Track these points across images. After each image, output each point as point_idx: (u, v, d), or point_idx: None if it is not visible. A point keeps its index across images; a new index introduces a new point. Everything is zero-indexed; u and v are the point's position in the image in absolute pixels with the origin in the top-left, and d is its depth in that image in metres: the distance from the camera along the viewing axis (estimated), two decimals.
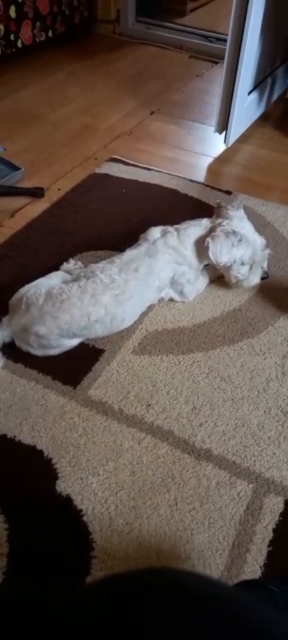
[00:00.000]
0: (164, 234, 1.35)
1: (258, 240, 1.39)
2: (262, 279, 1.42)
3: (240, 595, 0.59)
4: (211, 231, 1.35)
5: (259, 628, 0.47)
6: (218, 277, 1.46)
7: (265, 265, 1.42)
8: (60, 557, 0.89)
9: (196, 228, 1.38)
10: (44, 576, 0.87)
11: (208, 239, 1.31)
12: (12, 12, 2.58)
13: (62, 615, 0.47)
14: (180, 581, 0.51)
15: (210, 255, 1.32)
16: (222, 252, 1.32)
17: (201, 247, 1.35)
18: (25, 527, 0.93)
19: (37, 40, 2.79)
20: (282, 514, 0.96)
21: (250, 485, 1.00)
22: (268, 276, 1.43)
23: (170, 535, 0.93)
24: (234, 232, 1.33)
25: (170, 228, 1.37)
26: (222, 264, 1.35)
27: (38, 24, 2.76)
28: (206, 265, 1.42)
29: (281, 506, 0.97)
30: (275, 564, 0.90)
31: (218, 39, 3.13)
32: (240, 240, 1.34)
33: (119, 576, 0.54)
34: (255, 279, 1.41)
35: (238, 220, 1.38)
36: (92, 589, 0.53)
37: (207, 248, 1.32)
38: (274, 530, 0.94)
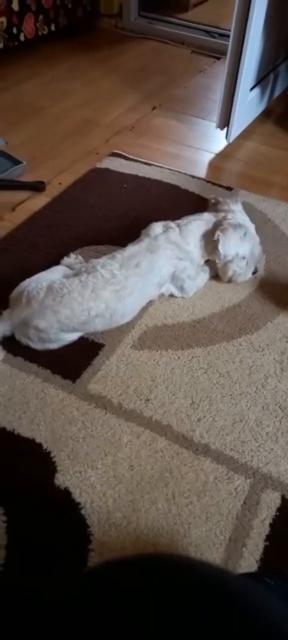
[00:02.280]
0: (166, 229, 1.36)
1: (257, 237, 1.41)
2: (253, 273, 1.45)
3: (243, 579, 0.60)
4: (216, 225, 1.36)
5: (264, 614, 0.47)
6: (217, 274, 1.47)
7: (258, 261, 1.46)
8: (58, 549, 0.90)
9: (198, 222, 1.38)
10: (42, 568, 0.87)
11: (219, 233, 1.33)
12: (15, 5, 2.57)
13: (61, 606, 0.47)
14: (185, 566, 0.51)
15: (220, 249, 1.33)
16: (230, 245, 1.35)
17: (209, 241, 1.36)
18: (24, 519, 0.93)
19: (40, 33, 2.79)
20: (279, 509, 0.97)
21: (248, 480, 1.01)
22: (258, 271, 1.46)
23: (167, 529, 0.93)
24: (240, 225, 1.35)
25: (171, 223, 1.38)
26: (229, 258, 1.36)
27: (41, 17, 2.76)
28: (207, 261, 1.43)
29: (278, 501, 0.98)
30: (272, 558, 0.91)
31: (221, 35, 3.12)
32: (245, 233, 1.36)
33: (120, 562, 0.54)
34: (249, 274, 1.44)
35: (240, 214, 1.40)
36: (92, 578, 0.53)
37: (216, 242, 1.33)
38: (271, 525, 0.95)
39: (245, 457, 1.05)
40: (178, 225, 1.37)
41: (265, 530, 0.94)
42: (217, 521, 0.95)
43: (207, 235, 1.37)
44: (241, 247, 1.37)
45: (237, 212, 1.40)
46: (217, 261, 1.39)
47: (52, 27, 2.87)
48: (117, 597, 0.45)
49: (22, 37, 2.67)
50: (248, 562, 0.90)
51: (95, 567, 0.66)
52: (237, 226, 1.35)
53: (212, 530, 0.93)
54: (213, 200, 1.49)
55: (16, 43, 2.65)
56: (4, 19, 2.53)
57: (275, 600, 0.63)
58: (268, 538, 0.93)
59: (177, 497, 0.97)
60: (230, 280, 1.43)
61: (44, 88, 2.53)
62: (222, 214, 1.39)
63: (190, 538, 0.92)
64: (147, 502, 0.96)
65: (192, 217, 1.40)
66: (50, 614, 0.46)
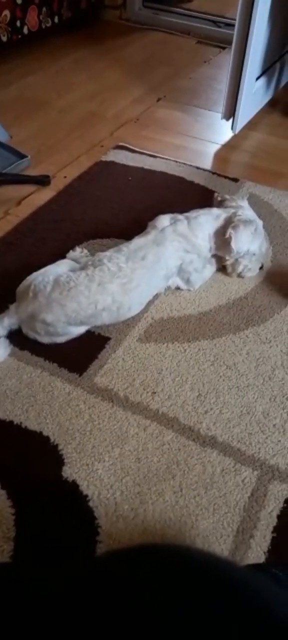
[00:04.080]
0: (174, 221, 1.35)
1: (263, 232, 1.42)
2: (260, 268, 1.45)
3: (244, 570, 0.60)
4: (227, 222, 1.35)
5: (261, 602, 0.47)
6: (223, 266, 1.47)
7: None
8: (66, 541, 0.91)
9: (207, 216, 1.38)
10: (50, 560, 0.88)
11: (231, 231, 1.33)
12: None
13: (63, 598, 0.47)
14: (186, 557, 0.51)
15: (233, 246, 1.33)
16: (243, 242, 1.35)
17: (219, 237, 1.35)
18: (32, 512, 0.94)
19: (43, 26, 2.77)
20: (286, 501, 0.97)
21: (255, 472, 1.01)
22: (263, 267, 1.46)
23: (175, 520, 0.94)
24: (250, 221, 1.35)
25: (179, 216, 1.37)
26: (241, 254, 1.36)
27: (44, 9, 2.74)
28: (213, 255, 1.42)
29: (285, 493, 0.98)
30: (279, 550, 0.91)
31: (227, 24, 3.10)
32: (256, 229, 1.36)
33: (122, 553, 0.54)
34: (256, 269, 1.44)
35: (247, 210, 1.40)
36: (94, 570, 0.53)
37: (228, 239, 1.33)
38: (278, 517, 0.94)
39: (253, 449, 1.05)
40: (187, 218, 1.37)
41: (273, 521, 0.94)
42: (225, 513, 0.95)
43: (217, 231, 1.37)
44: (252, 243, 1.37)
45: (245, 209, 1.40)
46: (227, 257, 1.39)
47: (56, 20, 2.85)
48: (119, 588, 0.45)
49: (25, 30, 2.66)
50: (256, 553, 0.90)
51: (97, 558, 0.66)
52: (248, 222, 1.35)
53: (219, 522, 0.94)
54: (219, 198, 1.48)
55: (20, 36, 2.64)
56: (7, 12, 2.52)
57: (283, 591, 0.63)
58: (275, 529, 0.93)
59: (184, 489, 0.98)
60: (239, 276, 1.43)
61: (48, 81, 2.52)
62: (231, 210, 1.39)
63: (197, 530, 0.93)
64: (154, 494, 0.97)
65: (201, 211, 1.40)
66: (53, 605, 0.46)
